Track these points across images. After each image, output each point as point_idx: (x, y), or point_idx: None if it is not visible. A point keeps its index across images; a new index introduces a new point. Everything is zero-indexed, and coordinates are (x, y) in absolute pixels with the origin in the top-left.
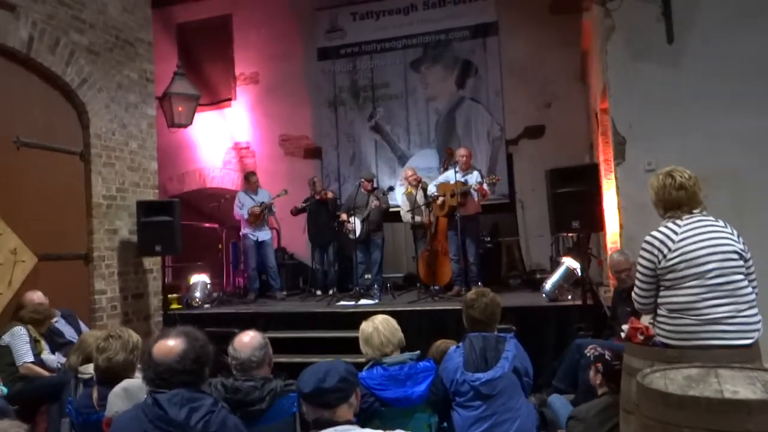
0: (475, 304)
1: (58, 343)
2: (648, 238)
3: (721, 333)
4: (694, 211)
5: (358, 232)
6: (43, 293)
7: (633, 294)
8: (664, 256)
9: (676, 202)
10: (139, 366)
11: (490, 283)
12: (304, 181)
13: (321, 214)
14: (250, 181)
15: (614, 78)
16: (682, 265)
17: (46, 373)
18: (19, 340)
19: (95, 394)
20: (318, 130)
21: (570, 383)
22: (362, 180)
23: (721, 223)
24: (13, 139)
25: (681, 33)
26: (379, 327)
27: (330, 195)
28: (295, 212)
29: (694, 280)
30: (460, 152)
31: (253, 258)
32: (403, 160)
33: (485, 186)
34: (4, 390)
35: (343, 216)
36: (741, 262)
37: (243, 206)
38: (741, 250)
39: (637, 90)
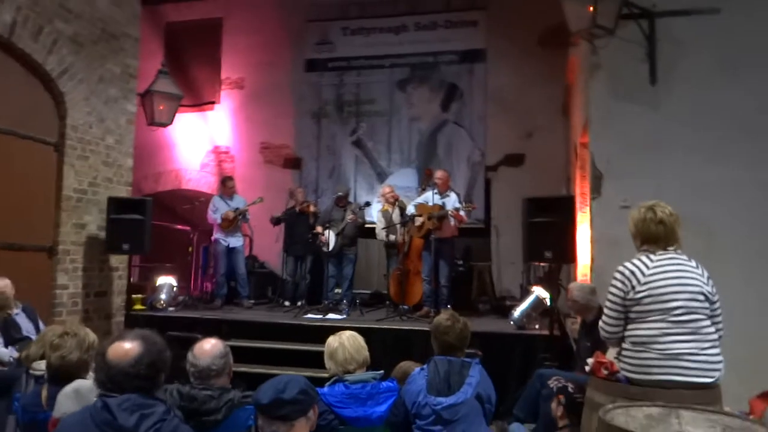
0: (450, 331)
1: (13, 338)
2: (620, 268)
3: (682, 369)
4: (669, 248)
5: (331, 246)
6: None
7: (600, 323)
8: (633, 288)
9: (654, 236)
10: (92, 367)
11: (459, 306)
12: (282, 190)
13: (299, 226)
14: (226, 185)
15: (596, 114)
16: (648, 299)
17: None
18: None
19: (45, 393)
20: (299, 141)
21: (531, 413)
22: (337, 194)
23: (693, 263)
24: None
25: (664, 76)
26: (345, 343)
27: (312, 208)
28: (275, 222)
29: (659, 315)
30: (438, 174)
31: (222, 264)
32: (382, 177)
33: (462, 213)
34: None
35: (319, 228)
36: (707, 304)
37: (217, 210)
38: (708, 292)
39: (617, 127)
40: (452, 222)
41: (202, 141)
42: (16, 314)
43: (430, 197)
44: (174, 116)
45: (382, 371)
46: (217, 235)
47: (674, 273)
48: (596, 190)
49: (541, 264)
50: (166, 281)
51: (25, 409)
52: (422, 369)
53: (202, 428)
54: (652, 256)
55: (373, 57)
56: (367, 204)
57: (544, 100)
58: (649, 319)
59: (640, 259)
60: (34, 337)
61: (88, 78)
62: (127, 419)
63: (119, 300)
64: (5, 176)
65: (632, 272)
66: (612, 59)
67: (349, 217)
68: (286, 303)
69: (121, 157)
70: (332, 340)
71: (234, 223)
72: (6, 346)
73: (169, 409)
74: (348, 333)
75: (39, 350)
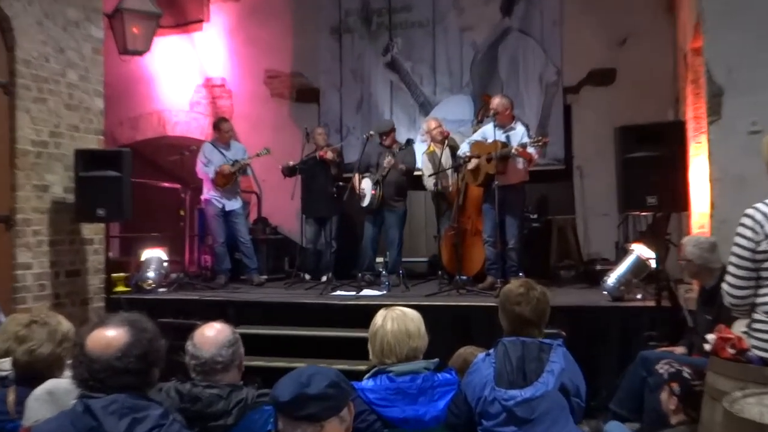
0: (523, 301)
1: None
2: (749, 211)
3: None
4: None
5: (367, 200)
6: None
7: (724, 287)
8: (767, 236)
9: None
10: (68, 362)
11: (534, 274)
12: (295, 133)
13: (319, 178)
14: (221, 129)
15: (712, 6)
16: None
17: None
18: None
19: (11, 397)
20: (316, 66)
21: (633, 408)
22: (370, 133)
23: None
24: None
25: None
26: (388, 326)
27: (330, 154)
28: (288, 172)
29: None
30: (496, 102)
31: (219, 230)
32: (426, 108)
33: (532, 150)
34: None
35: (356, 179)
36: None
37: (209, 162)
38: None
39: (742, 23)
40: (520, 163)
41: (189, 73)
42: None
43: (489, 132)
44: (152, 41)
45: (436, 360)
46: (209, 194)
47: None
48: (715, 111)
49: (643, 214)
50: (154, 255)
51: None
52: (488, 355)
53: None
54: None
55: None
56: (408, 143)
57: None
58: None
59: None
60: None
61: None
62: (115, 425)
63: (97, 280)
64: None
65: (765, 215)
66: None
67: (386, 161)
68: (308, 277)
69: (89, 98)
70: (378, 318)
71: (231, 179)
72: None
73: (167, 412)
74: (398, 311)
75: (2, 345)
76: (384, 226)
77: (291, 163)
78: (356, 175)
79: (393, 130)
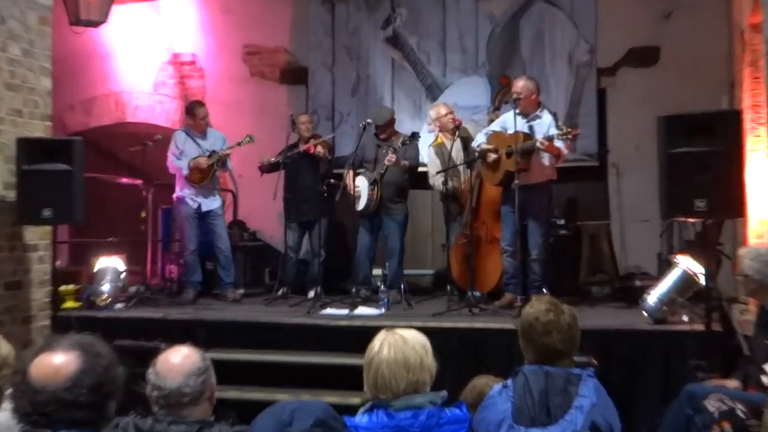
0: (553, 328)
1: None
2: None
3: None
4: None
5: (362, 202)
6: None
7: None
8: None
9: None
10: (8, 393)
11: (560, 291)
12: (281, 118)
13: (305, 175)
14: (196, 115)
15: None
16: None
17: None
18: None
19: None
20: (303, 41)
21: None
22: (368, 122)
23: None
24: None
25: None
26: (384, 352)
27: (320, 149)
28: (266, 168)
29: None
30: (520, 85)
31: (192, 235)
32: (433, 92)
33: (559, 144)
34: None
35: (349, 177)
36: None
37: (182, 155)
38: None
39: None
40: (546, 159)
41: (153, 47)
42: None
43: (510, 121)
44: (109, 10)
45: (444, 392)
46: (182, 191)
47: None
48: None
49: (691, 220)
50: (110, 264)
51: None
52: (505, 387)
53: None
54: None
55: None
56: (414, 137)
57: None
58: None
59: None
60: None
61: None
62: None
63: (41, 294)
64: None
65: None
66: None
67: (387, 158)
68: (289, 292)
69: (33, 77)
70: (374, 343)
71: (209, 174)
72: None
73: None
74: (398, 336)
75: None
76: (382, 233)
77: (271, 159)
78: (349, 172)
79: (392, 121)
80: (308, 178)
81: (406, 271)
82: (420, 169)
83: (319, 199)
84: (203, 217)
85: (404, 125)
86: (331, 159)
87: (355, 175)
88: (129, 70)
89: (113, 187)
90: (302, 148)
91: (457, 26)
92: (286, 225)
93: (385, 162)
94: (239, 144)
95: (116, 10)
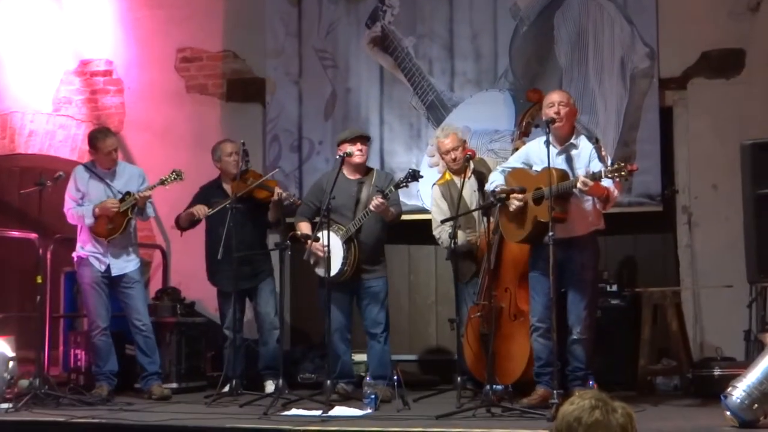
0: (599, 430)
1: None
2: None
3: None
4: None
5: (336, 266)
6: None
7: None
8: None
9: None
10: None
11: (613, 384)
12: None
13: (248, 225)
14: (99, 148)
15: None
16: None
17: None
18: None
19: None
20: (259, 43)
21: None
22: (346, 153)
23: None
24: None
25: None
26: None
27: (283, 193)
28: (184, 223)
29: None
30: (556, 98)
31: (102, 309)
32: (437, 111)
33: (606, 182)
34: None
35: (302, 227)
36: None
37: (84, 198)
38: None
39: None
40: (589, 204)
41: (55, 52)
42: None
43: (535, 152)
44: None
45: None
46: (84, 249)
47: None
48: None
49: None
50: None
51: None
52: None
53: None
54: None
55: None
56: (413, 176)
57: None
58: None
59: None
60: None
61: None
62: None
63: None
64: None
65: None
66: None
67: (373, 204)
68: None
69: None
70: None
71: (121, 224)
72: None
73: None
74: None
75: None
76: (363, 306)
77: (209, 211)
78: (302, 223)
79: (359, 138)
80: (251, 231)
81: (400, 357)
82: (420, 216)
83: (260, 257)
84: (114, 284)
85: (397, 157)
86: (288, 200)
87: (315, 229)
88: (20, 83)
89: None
90: (234, 191)
91: (468, 23)
92: (219, 295)
93: (371, 208)
94: (162, 182)
95: (3, 2)
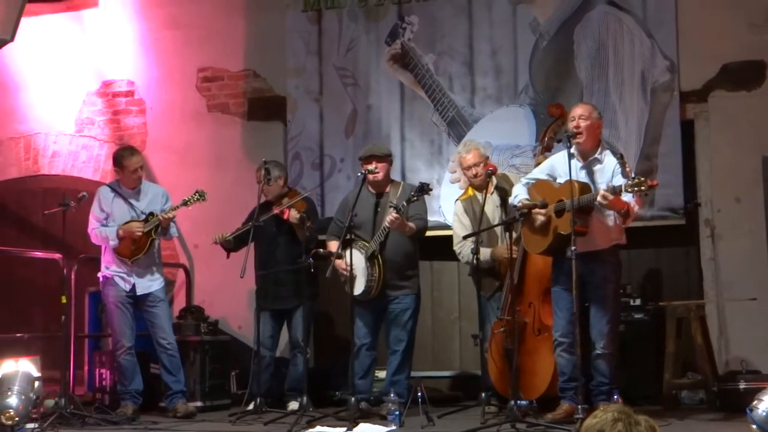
0: None
1: None
2: None
3: None
4: None
5: (362, 285)
6: None
7: None
8: None
9: None
10: None
11: (637, 397)
12: (247, 169)
13: (279, 245)
14: (124, 167)
15: None
16: None
17: None
18: None
19: None
20: (280, 61)
21: None
22: (366, 170)
23: None
24: None
25: None
26: None
27: (294, 213)
28: (230, 245)
29: None
30: (579, 112)
31: (126, 328)
32: (458, 127)
33: (627, 196)
34: None
35: (331, 246)
36: None
37: (108, 218)
38: None
39: None
40: (610, 218)
41: (77, 73)
42: None
43: (559, 165)
44: (17, 25)
45: None
46: (110, 269)
47: None
48: None
49: None
50: (19, 370)
51: None
52: None
53: None
54: None
55: None
56: (424, 189)
57: None
58: None
59: None
60: None
61: None
62: None
63: None
64: None
65: None
66: None
67: (388, 219)
68: (267, 405)
69: None
70: None
71: (145, 244)
72: None
73: None
74: None
75: None
76: (387, 322)
77: (229, 234)
78: (332, 242)
79: (384, 158)
80: (284, 251)
81: (424, 373)
82: (442, 232)
83: (299, 278)
84: (139, 303)
85: (419, 175)
86: (312, 224)
87: (341, 246)
88: (44, 104)
89: (23, 263)
90: (275, 209)
91: (488, 39)
92: (257, 313)
93: (386, 224)
94: (186, 203)
95: (26, 25)
